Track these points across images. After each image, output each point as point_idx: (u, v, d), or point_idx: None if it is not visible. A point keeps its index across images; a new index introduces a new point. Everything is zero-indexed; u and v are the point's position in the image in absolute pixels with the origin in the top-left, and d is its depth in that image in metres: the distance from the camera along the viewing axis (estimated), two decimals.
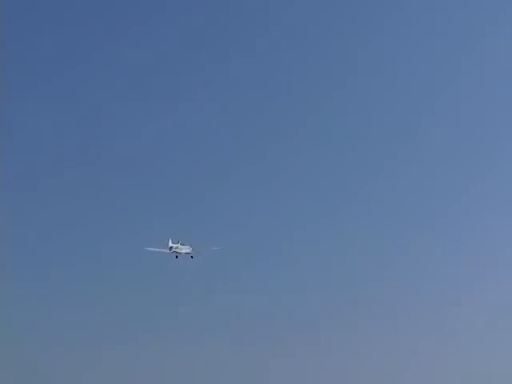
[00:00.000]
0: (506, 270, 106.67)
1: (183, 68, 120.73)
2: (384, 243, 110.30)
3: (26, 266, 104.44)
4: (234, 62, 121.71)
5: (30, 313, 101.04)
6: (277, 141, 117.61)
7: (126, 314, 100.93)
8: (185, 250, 71.18)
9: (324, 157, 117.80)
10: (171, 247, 69.73)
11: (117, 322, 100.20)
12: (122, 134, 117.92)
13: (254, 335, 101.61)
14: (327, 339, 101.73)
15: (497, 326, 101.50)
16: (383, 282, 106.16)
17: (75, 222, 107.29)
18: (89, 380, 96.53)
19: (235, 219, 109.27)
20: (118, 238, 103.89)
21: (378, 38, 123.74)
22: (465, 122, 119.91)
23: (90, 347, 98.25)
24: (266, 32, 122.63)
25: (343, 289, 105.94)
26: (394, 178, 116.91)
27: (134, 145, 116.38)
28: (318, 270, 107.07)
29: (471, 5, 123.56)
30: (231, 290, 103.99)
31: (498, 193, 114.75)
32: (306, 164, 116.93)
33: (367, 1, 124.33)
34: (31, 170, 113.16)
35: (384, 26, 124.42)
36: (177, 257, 70.03)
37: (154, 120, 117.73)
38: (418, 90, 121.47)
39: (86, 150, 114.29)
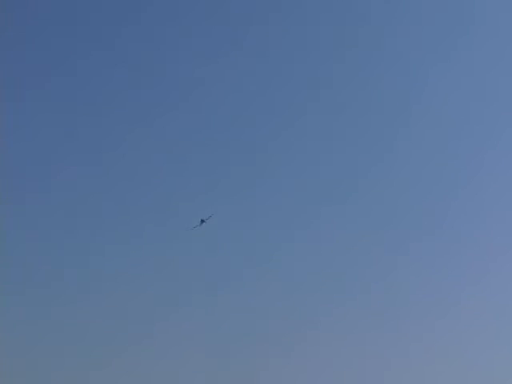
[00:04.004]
0: (505, 272, 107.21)
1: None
2: (383, 244, 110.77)
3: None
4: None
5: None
6: (276, 137, 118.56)
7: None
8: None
9: (323, 154, 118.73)
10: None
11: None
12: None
13: (253, 334, 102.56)
14: (325, 340, 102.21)
15: (495, 331, 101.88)
16: (382, 284, 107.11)
17: None
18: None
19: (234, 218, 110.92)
20: None
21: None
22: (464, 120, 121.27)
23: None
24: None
25: (342, 289, 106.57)
26: (392, 177, 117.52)
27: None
28: (316, 270, 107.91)
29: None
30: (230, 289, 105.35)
31: (499, 193, 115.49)
32: (306, 162, 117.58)
33: None
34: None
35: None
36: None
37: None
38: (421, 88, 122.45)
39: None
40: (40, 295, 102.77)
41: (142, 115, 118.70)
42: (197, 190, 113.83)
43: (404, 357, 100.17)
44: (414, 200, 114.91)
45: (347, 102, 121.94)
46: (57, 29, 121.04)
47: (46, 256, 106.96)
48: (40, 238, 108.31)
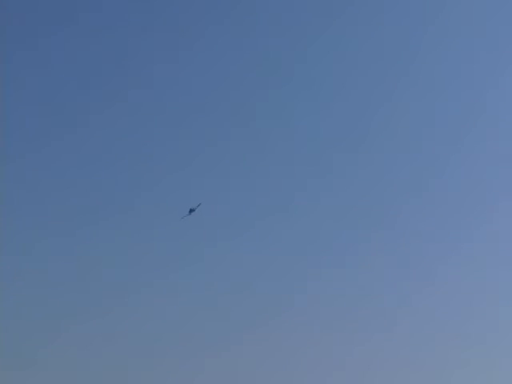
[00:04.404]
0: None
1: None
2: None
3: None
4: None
5: None
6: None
7: None
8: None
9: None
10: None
11: None
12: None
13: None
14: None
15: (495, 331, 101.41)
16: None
17: None
18: None
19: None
20: None
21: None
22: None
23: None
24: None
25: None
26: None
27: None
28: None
29: None
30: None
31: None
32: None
33: None
34: None
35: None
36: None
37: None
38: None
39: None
40: (37, 293, 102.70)
41: (134, 109, 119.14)
42: (190, 180, 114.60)
43: (401, 357, 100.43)
44: (413, 200, 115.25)
45: (347, 100, 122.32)
46: (57, 28, 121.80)
47: (44, 251, 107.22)
48: (36, 232, 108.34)
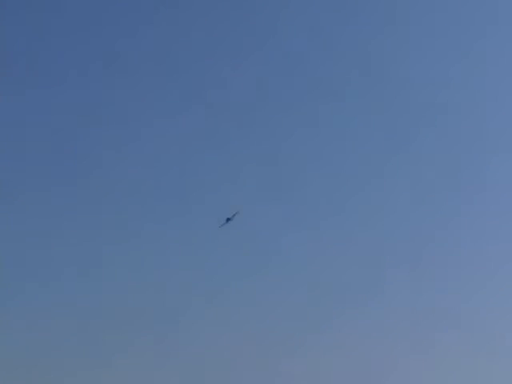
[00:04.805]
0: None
1: None
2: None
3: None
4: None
5: None
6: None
7: None
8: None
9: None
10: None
11: None
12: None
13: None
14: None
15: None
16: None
17: None
18: None
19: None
20: None
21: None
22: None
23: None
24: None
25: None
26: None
27: None
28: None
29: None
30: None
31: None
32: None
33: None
34: None
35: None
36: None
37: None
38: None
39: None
40: (42, 291, 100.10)
41: (163, 108, 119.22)
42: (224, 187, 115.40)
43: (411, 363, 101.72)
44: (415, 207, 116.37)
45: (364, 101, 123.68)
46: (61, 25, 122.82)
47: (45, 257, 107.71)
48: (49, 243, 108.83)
